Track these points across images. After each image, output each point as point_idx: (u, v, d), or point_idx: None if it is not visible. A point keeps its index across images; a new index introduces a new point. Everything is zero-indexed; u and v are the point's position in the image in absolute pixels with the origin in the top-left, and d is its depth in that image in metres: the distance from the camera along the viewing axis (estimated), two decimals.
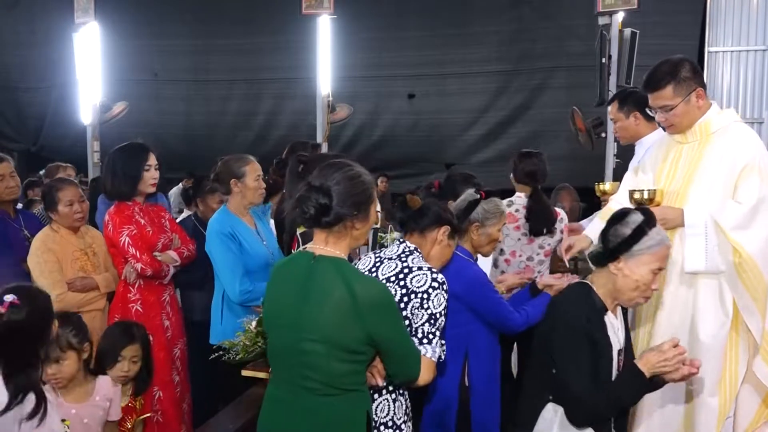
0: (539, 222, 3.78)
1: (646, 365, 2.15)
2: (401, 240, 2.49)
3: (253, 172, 3.33)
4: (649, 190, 2.78)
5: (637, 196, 2.78)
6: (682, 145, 2.83)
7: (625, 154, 4.12)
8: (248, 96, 10.62)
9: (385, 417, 2.26)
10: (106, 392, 2.71)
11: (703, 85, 2.77)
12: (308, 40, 7.33)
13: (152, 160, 3.38)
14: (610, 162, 6.14)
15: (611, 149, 6.11)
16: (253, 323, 2.74)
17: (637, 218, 2.26)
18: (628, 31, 6.14)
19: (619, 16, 6.11)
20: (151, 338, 3.25)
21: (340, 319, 1.94)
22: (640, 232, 2.23)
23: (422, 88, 10.01)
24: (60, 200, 3.41)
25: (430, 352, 2.17)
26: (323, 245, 2.04)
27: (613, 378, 2.23)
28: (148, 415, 3.06)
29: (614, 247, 2.26)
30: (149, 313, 3.35)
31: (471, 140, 9.99)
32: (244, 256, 3.23)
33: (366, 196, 2.05)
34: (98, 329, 3.18)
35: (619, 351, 2.30)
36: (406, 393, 2.33)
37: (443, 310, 2.25)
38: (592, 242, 2.88)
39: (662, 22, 7.92)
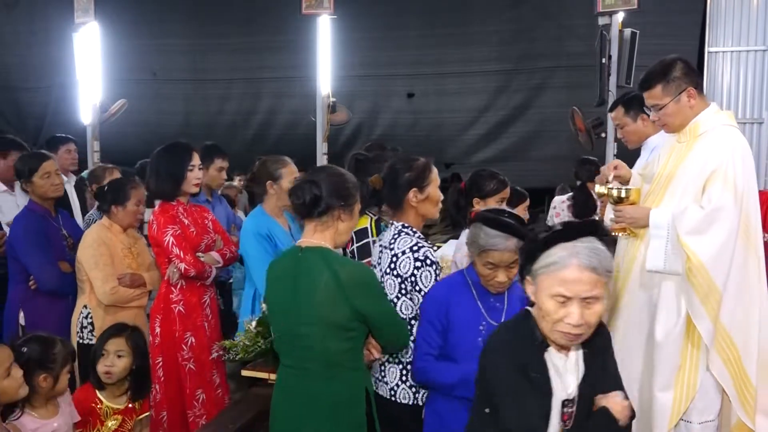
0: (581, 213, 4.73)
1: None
2: (391, 222, 2.60)
3: (289, 175, 3.35)
4: (626, 189, 2.78)
5: (615, 193, 2.79)
6: (678, 145, 2.83)
7: (625, 154, 4.11)
8: (247, 95, 10.62)
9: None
10: (65, 397, 2.72)
11: (697, 85, 2.75)
12: (308, 39, 7.31)
13: (196, 159, 3.36)
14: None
15: (611, 149, 6.09)
16: (253, 323, 2.75)
17: (540, 231, 1.82)
18: (628, 31, 6.13)
19: (619, 16, 6.09)
20: (193, 340, 3.33)
21: (328, 299, 2.19)
22: (536, 247, 1.77)
23: (422, 88, 10.01)
24: (132, 197, 3.51)
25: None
26: (311, 235, 2.29)
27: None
28: (147, 414, 3.05)
29: (522, 262, 1.83)
30: (191, 314, 3.36)
31: (471, 140, 9.98)
32: None
33: (351, 192, 2.31)
34: (141, 326, 3.25)
35: (565, 402, 1.79)
36: None
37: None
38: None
39: (662, 22, 7.90)
